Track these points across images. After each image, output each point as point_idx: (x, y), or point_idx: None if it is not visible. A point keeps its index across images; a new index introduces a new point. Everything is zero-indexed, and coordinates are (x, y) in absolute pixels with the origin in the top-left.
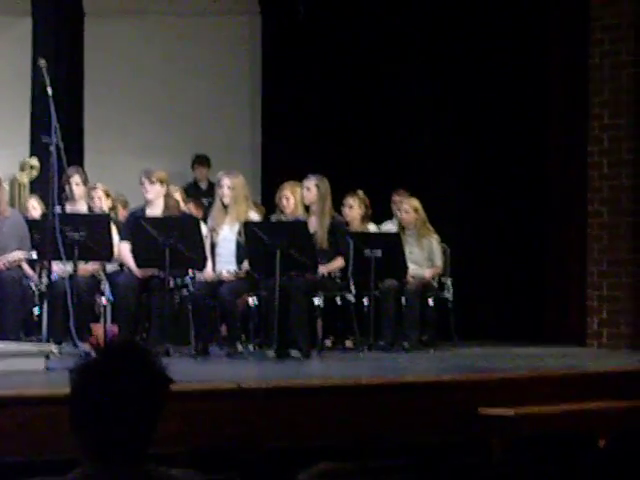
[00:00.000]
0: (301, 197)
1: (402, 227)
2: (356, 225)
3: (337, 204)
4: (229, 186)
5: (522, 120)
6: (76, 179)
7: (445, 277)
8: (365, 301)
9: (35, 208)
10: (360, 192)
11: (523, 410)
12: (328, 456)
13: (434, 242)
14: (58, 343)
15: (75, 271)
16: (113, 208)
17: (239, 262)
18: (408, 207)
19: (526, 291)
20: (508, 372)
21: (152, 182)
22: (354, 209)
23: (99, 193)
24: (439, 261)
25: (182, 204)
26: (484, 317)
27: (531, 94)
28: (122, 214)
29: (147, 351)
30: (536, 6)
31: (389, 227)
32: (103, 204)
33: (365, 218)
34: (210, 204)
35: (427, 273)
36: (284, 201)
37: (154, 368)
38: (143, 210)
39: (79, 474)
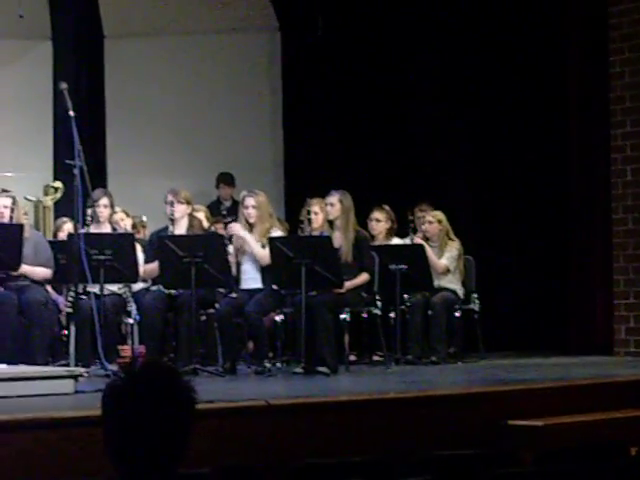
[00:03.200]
0: (325, 214)
1: (426, 239)
2: (381, 239)
3: (358, 219)
4: (254, 205)
5: (543, 130)
6: (104, 201)
7: (470, 287)
8: (392, 315)
9: (70, 230)
10: (386, 207)
11: (552, 421)
12: (358, 472)
13: (452, 245)
14: (86, 365)
15: (101, 292)
16: (134, 227)
17: (264, 279)
18: (432, 218)
19: (552, 301)
20: (536, 383)
21: (180, 202)
22: (381, 223)
23: (120, 215)
24: (445, 260)
25: (206, 223)
26: (511, 328)
27: (551, 105)
28: (143, 233)
29: (175, 371)
30: (554, 15)
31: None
32: (127, 225)
33: (390, 232)
34: (233, 221)
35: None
36: (312, 216)
37: (182, 388)
38: (167, 230)
39: None
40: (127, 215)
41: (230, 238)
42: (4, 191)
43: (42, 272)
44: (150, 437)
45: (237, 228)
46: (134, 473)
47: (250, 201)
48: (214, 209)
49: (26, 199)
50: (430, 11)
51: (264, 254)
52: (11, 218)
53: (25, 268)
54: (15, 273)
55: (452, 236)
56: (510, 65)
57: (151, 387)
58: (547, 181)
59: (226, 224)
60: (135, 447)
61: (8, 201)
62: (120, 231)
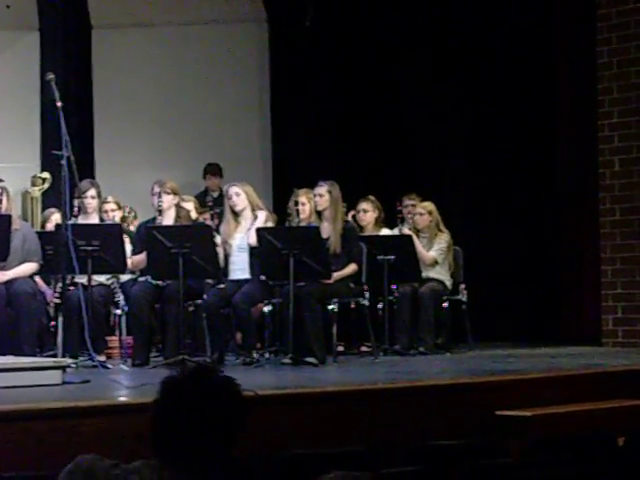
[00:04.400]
0: (314, 204)
1: (416, 230)
2: (370, 229)
3: (347, 211)
4: (237, 193)
5: (531, 121)
6: (91, 192)
7: (459, 278)
8: (380, 306)
9: (58, 221)
10: (372, 197)
11: (540, 411)
12: (346, 462)
13: (442, 237)
14: (74, 356)
15: (89, 283)
16: (124, 220)
17: (252, 270)
18: (422, 210)
19: (540, 291)
20: (524, 373)
21: (166, 192)
22: (369, 213)
23: (111, 205)
24: (434, 252)
25: (195, 214)
26: (499, 319)
27: (539, 95)
28: (133, 224)
29: (230, 378)
30: (543, 6)
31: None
32: (116, 216)
33: (379, 222)
34: (220, 213)
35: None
36: (300, 207)
37: (235, 392)
38: (154, 221)
39: (144, 465)
40: (119, 207)
41: (217, 229)
42: None
43: (29, 269)
44: (200, 431)
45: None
46: (179, 461)
47: (233, 189)
48: (202, 200)
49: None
50: (420, 3)
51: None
52: None
53: (10, 273)
54: (1, 278)
55: (442, 227)
56: (500, 53)
57: (208, 385)
58: (536, 172)
59: (213, 215)
60: (185, 439)
61: None
62: (108, 222)
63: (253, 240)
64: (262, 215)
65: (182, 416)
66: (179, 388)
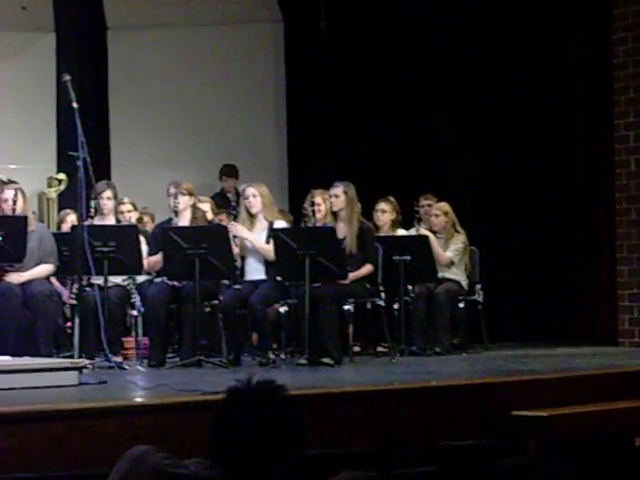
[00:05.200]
0: (329, 205)
1: (433, 231)
2: (386, 230)
3: (362, 210)
4: (254, 194)
5: (547, 122)
6: (108, 193)
7: (474, 278)
8: (395, 306)
9: (74, 222)
10: (391, 198)
11: (557, 411)
12: (363, 462)
13: (458, 238)
14: (90, 357)
15: (105, 284)
16: (140, 220)
17: (268, 270)
18: (438, 211)
19: (556, 291)
20: (540, 373)
21: (182, 193)
22: (386, 214)
23: (127, 207)
24: (450, 253)
25: (211, 215)
26: (515, 319)
27: (555, 95)
28: (150, 227)
29: (295, 401)
30: (559, 6)
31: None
32: (132, 217)
33: (395, 223)
34: (237, 215)
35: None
36: (316, 207)
37: (297, 416)
38: (170, 222)
39: (196, 461)
40: (135, 208)
41: None
42: (10, 182)
43: (45, 271)
44: (258, 445)
45: (238, 229)
46: (231, 468)
47: (250, 190)
48: (218, 201)
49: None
50: (435, 2)
51: (268, 249)
52: (13, 210)
53: (27, 275)
54: (18, 280)
55: (458, 228)
56: (515, 54)
57: (272, 402)
58: (551, 173)
59: (231, 216)
60: (241, 449)
61: (11, 193)
62: (124, 223)
63: (260, 245)
64: (280, 224)
65: (243, 427)
66: (244, 399)
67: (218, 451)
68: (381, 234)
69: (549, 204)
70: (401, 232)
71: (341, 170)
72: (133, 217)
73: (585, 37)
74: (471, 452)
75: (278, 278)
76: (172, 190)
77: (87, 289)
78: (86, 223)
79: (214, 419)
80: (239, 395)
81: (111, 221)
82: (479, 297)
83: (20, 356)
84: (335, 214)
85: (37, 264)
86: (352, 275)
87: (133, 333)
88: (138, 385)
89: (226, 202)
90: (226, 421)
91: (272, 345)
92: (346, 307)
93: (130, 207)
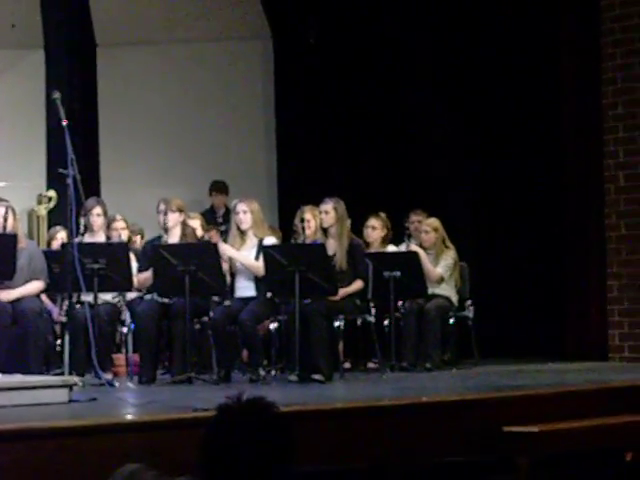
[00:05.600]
0: (319, 221)
1: (423, 247)
2: (376, 246)
3: (352, 227)
4: (245, 211)
5: (538, 135)
6: (97, 210)
7: (465, 294)
8: (386, 322)
9: (64, 239)
10: (382, 214)
11: (548, 427)
12: (354, 479)
13: (448, 254)
14: (80, 374)
15: (95, 301)
16: (129, 239)
17: (258, 287)
18: (428, 227)
19: (546, 307)
20: (531, 389)
21: (172, 210)
22: (377, 230)
23: (121, 224)
24: (440, 269)
25: (201, 231)
26: (505, 334)
27: (545, 111)
28: (140, 243)
29: (286, 418)
30: (547, 12)
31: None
32: (123, 235)
33: (385, 240)
34: (227, 231)
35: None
36: (306, 224)
37: (289, 432)
38: (160, 239)
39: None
40: (127, 225)
41: None
42: (0, 200)
43: (35, 288)
44: (249, 463)
45: (225, 249)
46: None
47: (242, 206)
48: (208, 217)
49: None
50: (425, 18)
51: (258, 266)
52: (4, 228)
53: (16, 292)
54: (7, 298)
55: (448, 243)
56: (506, 66)
57: (263, 419)
58: (541, 188)
59: (221, 232)
60: (232, 467)
61: (2, 210)
62: (114, 240)
63: (249, 262)
64: (271, 241)
65: (234, 445)
66: (234, 416)
67: (208, 469)
68: (371, 250)
69: (539, 219)
70: (391, 248)
71: (331, 186)
72: (124, 235)
73: (574, 54)
74: (462, 469)
75: (268, 294)
76: (162, 207)
77: (77, 306)
78: (76, 240)
79: (204, 437)
80: (229, 412)
81: (101, 238)
82: (469, 313)
83: (10, 373)
84: (325, 230)
85: (27, 282)
86: (342, 291)
87: (123, 350)
88: (129, 402)
89: (216, 218)
90: (216, 439)
91: (262, 362)
92: (336, 323)
93: (123, 224)
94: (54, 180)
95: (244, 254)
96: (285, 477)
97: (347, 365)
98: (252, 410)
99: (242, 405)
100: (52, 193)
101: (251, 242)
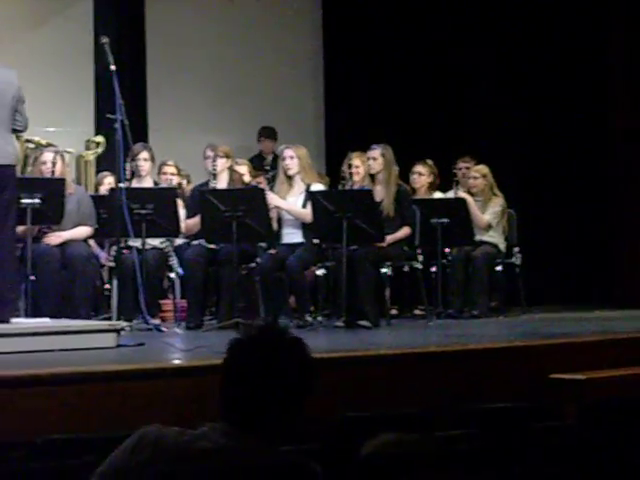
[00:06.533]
0: (367, 167)
1: (470, 194)
2: (423, 193)
3: (400, 174)
4: (292, 156)
5: (584, 87)
6: (144, 155)
7: (512, 241)
8: (433, 269)
9: (111, 184)
10: (429, 161)
11: (595, 374)
12: (400, 425)
13: (496, 201)
14: (128, 319)
15: (143, 246)
16: (179, 185)
17: (305, 233)
18: (477, 174)
19: (594, 255)
20: (578, 336)
21: (219, 156)
22: (423, 177)
23: (171, 169)
24: (488, 216)
25: (249, 177)
26: (552, 282)
27: (591, 59)
28: (187, 189)
29: (299, 338)
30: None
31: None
32: (173, 180)
33: (432, 186)
34: (275, 177)
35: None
36: (354, 170)
37: (304, 354)
38: (207, 185)
39: (211, 428)
40: (178, 171)
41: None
42: (49, 145)
43: (84, 232)
44: (266, 394)
45: (274, 200)
46: (243, 421)
47: (288, 152)
48: (256, 163)
49: (66, 152)
50: None
51: (306, 213)
52: (52, 173)
53: (65, 235)
54: (56, 240)
55: (496, 191)
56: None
57: (277, 347)
58: (590, 137)
59: (269, 179)
60: (250, 399)
61: (51, 156)
62: (163, 185)
63: (296, 210)
64: (318, 187)
65: (250, 377)
66: (247, 348)
67: (230, 409)
68: (418, 197)
69: (588, 168)
70: (438, 195)
71: (378, 133)
72: (175, 180)
73: (624, 45)
74: (510, 414)
75: (315, 241)
76: (209, 153)
77: (125, 252)
78: (124, 185)
79: (222, 376)
80: (240, 345)
81: (149, 183)
82: (517, 260)
83: (59, 318)
84: (373, 177)
85: (75, 226)
86: (389, 238)
87: (171, 296)
88: (176, 347)
89: (263, 165)
90: (230, 375)
91: (309, 308)
92: (383, 270)
93: (174, 169)
94: (102, 125)
95: (290, 203)
96: (303, 405)
97: (394, 312)
98: (263, 339)
99: (253, 336)
100: (100, 138)
101: (299, 188)
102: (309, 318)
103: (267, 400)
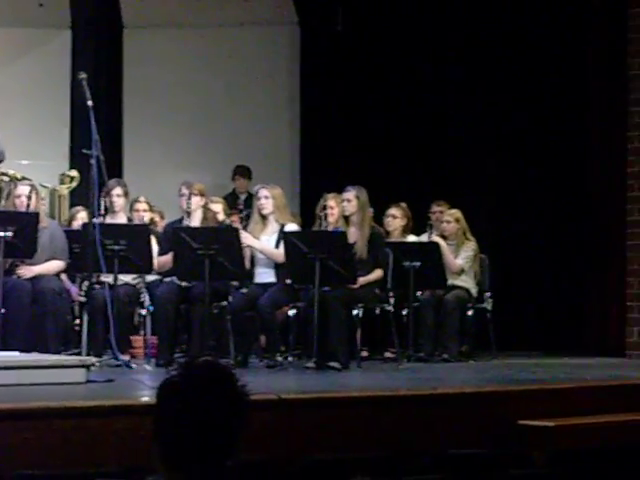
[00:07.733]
0: (341, 209)
1: (444, 237)
2: (396, 235)
3: (374, 216)
4: (267, 196)
5: (561, 131)
6: (117, 191)
7: (484, 286)
8: (404, 312)
9: (84, 219)
10: (403, 204)
11: (564, 421)
12: (368, 469)
13: (469, 246)
14: (98, 355)
15: (115, 282)
16: (151, 221)
17: (277, 273)
18: (450, 218)
19: (566, 302)
20: (548, 383)
21: (194, 194)
22: (397, 219)
23: (143, 205)
24: (461, 260)
25: (223, 216)
26: (523, 328)
27: (571, 106)
28: (160, 225)
29: (231, 372)
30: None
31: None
32: (145, 217)
33: (406, 229)
34: (248, 216)
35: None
36: (328, 211)
37: (236, 389)
38: (181, 222)
39: None
40: (150, 208)
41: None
42: (24, 179)
43: (55, 266)
44: (202, 431)
45: (246, 238)
46: (180, 463)
47: (263, 192)
48: (230, 201)
49: (42, 186)
50: (452, 6)
51: (278, 253)
52: (28, 206)
53: (37, 269)
54: (28, 274)
55: (469, 235)
56: (530, 60)
57: (208, 384)
58: (564, 182)
59: (242, 217)
60: (185, 440)
61: (27, 189)
62: (137, 221)
63: (269, 250)
64: (292, 227)
65: (178, 417)
66: (174, 388)
67: (164, 453)
68: (391, 239)
69: (560, 214)
70: (412, 238)
71: (353, 175)
72: (146, 217)
73: (601, 48)
74: (477, 461)
75: (288, 281)
76: (184, 190)
77: (97, 287)
78: (97, 221)
79: (153, 421)
80: (167, 387)
81: (122, 219)
82: (488, 305)
83: (28, 352)
84: (347, 218)
85: (48, 260)
86: (362, 280)
87: (141, 332)
88: (145, 384)
89: (238, 203)
90: (160, 418)
91: (280, 348)
92: (355, 312)
93: (145, 206)
94: (76, 160)
95: (264, 242)
96: (238, 443)
97: (364, 354)
98: (190, 376)
99: (179, 375)
100: (74, 173)
101: (272, 228)
102: (279, 358)
103: (199, 441)
